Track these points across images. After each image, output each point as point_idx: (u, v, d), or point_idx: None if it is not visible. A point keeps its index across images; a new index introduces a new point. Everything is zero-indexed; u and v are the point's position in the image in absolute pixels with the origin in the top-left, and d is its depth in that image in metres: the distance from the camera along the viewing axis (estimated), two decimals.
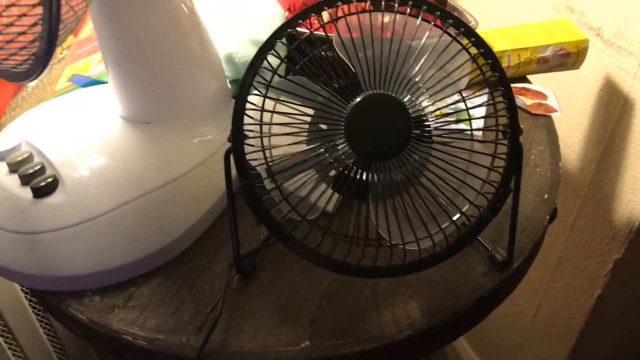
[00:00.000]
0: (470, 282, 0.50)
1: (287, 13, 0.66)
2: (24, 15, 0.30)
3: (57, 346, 1.03)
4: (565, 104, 0.87)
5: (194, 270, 0.52)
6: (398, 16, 0.44)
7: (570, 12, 0.83)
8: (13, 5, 0.29)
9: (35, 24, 0.31)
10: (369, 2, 0.44)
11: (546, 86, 0.74)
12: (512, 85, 0.71)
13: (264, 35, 0.62)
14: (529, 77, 0.75)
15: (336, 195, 0.45)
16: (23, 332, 0.97)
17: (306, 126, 0.45)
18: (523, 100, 0.68)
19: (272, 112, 0.45)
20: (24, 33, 0.31)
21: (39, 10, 0.30)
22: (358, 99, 0.43)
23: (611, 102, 0.81)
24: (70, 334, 1.02)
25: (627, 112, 0.78)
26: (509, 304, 1.13)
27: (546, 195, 0.58)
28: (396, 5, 0.43)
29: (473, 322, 0.52)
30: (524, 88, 0.71)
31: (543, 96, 0.70)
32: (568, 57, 0.71)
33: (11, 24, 0.31)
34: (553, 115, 0.68)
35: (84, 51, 0.70)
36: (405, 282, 0.51)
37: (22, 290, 0.94)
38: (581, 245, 0.93)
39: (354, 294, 0.50)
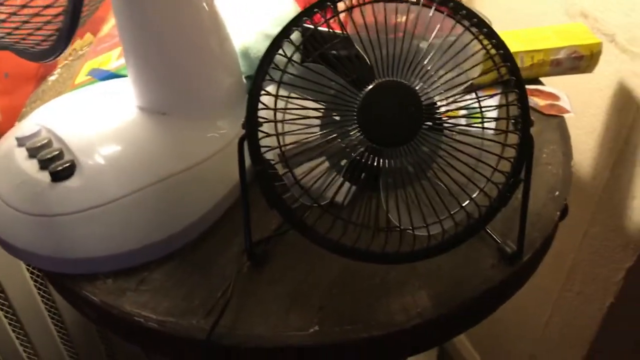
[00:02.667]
0: (480, 274, 0.51)
1: None
2: None
3: (60, 328, 1.04)
4: (578, 110, 0.87)
5: (206, 257, 0.53)
6: (412, 6, 0.45)
7: (584, 18, 0.83)
8: None
9: None
10: None
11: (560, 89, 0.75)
12: (526, 86, 0.72)
13: None
14: (542, 80, 0.76)
15: (347, 187, 0.46)
16: (26, 311, 0.97)
17: (319, 114, 0.46)
18: (536, 101, 0.69)
19: (286, 97, 0.46)
20: (49, 6, 0.32)
21: None
22: (370, 86, 0.44)
23: (625, 108, 0.81)
24: (74, 315, 1.02)
25: None
26: (520, 313, 1.13)
27: (557, 193, 0.58)
28: None
29: (482, 315, 0.52)
30: (536, 89, 0.71)
31: (555, 97, 0.70)
32: (581, 60, 0.71)
33: None
34: (566, 116, 0.68)
35: (103, 47, 0.72)
36: (415, 272, 0.51)
37: (27, 269, 0.94)
38: (593, 253, 0.93)
39: (363, 283, 0.50)
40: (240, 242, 0.54)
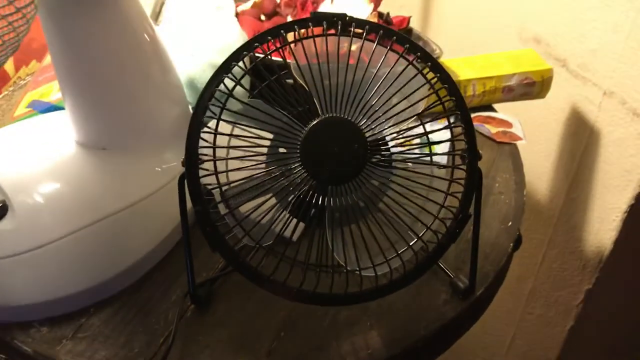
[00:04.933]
0: (432, 310, 0.49)
1: None
2: None
3: None
4: (534, 134, 0.87)
5: (148, 300, 0.50)
6: (357, 43, 0.44)
7: (537, 43, 0.84)
8: None
9: None
10: (326, 27, 0.44)
11: (514, 116, 0.75)
12: (478, 113, 0.72)
13: None
14: (496, 106, 0.76)
15: (295, 223, 0.44)
16: None
17: (264, 150, 0.44)
18: (488, 129, 0.68)
19: (229, 135, 0.44)
20: None
21: None
22: (314, 122, 0.42)
23: (578, 132, 0.81)
24: None
25: (593, 141, 0.79)
26: (484, 336, 1.12)
27: (510, 223, 0.57)
28: (353, 30, 0.43)
29: (436, 351, 0.50)
30: (489, 116, 0.71)
31: (508, 124, 0.70)
32: (533, 86, 0.71)
33: None
34: (518, 143, 0.68)
35: (46, 77, 0.69)
36: (367, 310, 0.49)
37: None
38: (553, 276, 0.93)
39: (313, 324, 0.49)
40: (184, 284, 0.51)
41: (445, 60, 0.72)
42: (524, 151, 0.69)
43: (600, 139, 0.78)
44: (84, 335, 0.48)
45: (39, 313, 0.48)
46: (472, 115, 0.71)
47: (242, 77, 0.44)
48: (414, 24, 0.74)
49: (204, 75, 0.61)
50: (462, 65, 0.71)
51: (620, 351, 0.96)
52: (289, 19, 0.69)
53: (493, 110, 0.74)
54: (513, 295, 1.02)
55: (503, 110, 0.76)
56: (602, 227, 0.81)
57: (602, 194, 0.80)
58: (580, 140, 0.81)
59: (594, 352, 0.95)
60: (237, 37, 0.62)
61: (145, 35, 0.54)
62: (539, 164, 0.90)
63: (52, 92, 0.66)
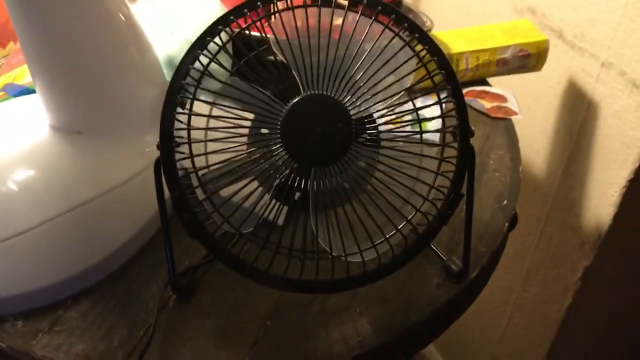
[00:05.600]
0: (425, 294, 0.47)
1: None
2: None
3: None
4: (530, 108, 0.85)
5: (128, 291, 0.48)
6: (340, 15, 0.41)
7: (532, 14, 0.81)
8: None
9: None
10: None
11: (509, 89, 0.72)
12: (471, 88, 0.69)
13: None
14: (490, 80, 0.73)
15: (279, 207, 0.42)
16: None
17: (245, 131, 0.42)
18: (482, 104, 0.66)
19: (206, 116, 0.42)
20: None
21: None
22: (294, 100, 0.40)
23: (575, 104, 0.79)
24: None
25: (591, 114, 0.77)
26: (481, 315, 1.11)
27: (505, 201, 0.55)
28: (335, 0, 0.41)
29: (429, 337, 0.49)
30: (482, 91, 0.68)
31: (503, 99, 0.67)
32: (528, 59, 0.68)
33: None
34: (514, 118, 0.66)
35: (19, 59, 0.66)
36: (357, 297, 0.47)
37: None
38: (551, 253, 0.91)
39: (301, 312, 0.46)
40: (166, 273, 0.49)
41: (437, 33, 0.69)
42: (520, 126, 0.67)
43: (599, 112, 0.75)
44: (60, 328, 0.46)
45: (13, 306, 0.46)
46: (465, 90, 0.68)
47: (217, 52, 0.41)
48: None
49: (181, 53, 0.58)
50: (454, 37, 0.68)
51: (619, 329, 0.95)
52: None
53: (487, 84, 0.71)
54: (509, 274, 1.00)
55: (497, 84, 0.73)
56: (601, 203, 0.79)
57: (601, 168, 0.77)
58: (578, 114, 0.79)
59: (593, 330, 0.94)
60: (215, 10, 0.59)
61: (119, 13, 0.51)
62: (536, 139, 0.87)
63: (26, 74, 0.63)
